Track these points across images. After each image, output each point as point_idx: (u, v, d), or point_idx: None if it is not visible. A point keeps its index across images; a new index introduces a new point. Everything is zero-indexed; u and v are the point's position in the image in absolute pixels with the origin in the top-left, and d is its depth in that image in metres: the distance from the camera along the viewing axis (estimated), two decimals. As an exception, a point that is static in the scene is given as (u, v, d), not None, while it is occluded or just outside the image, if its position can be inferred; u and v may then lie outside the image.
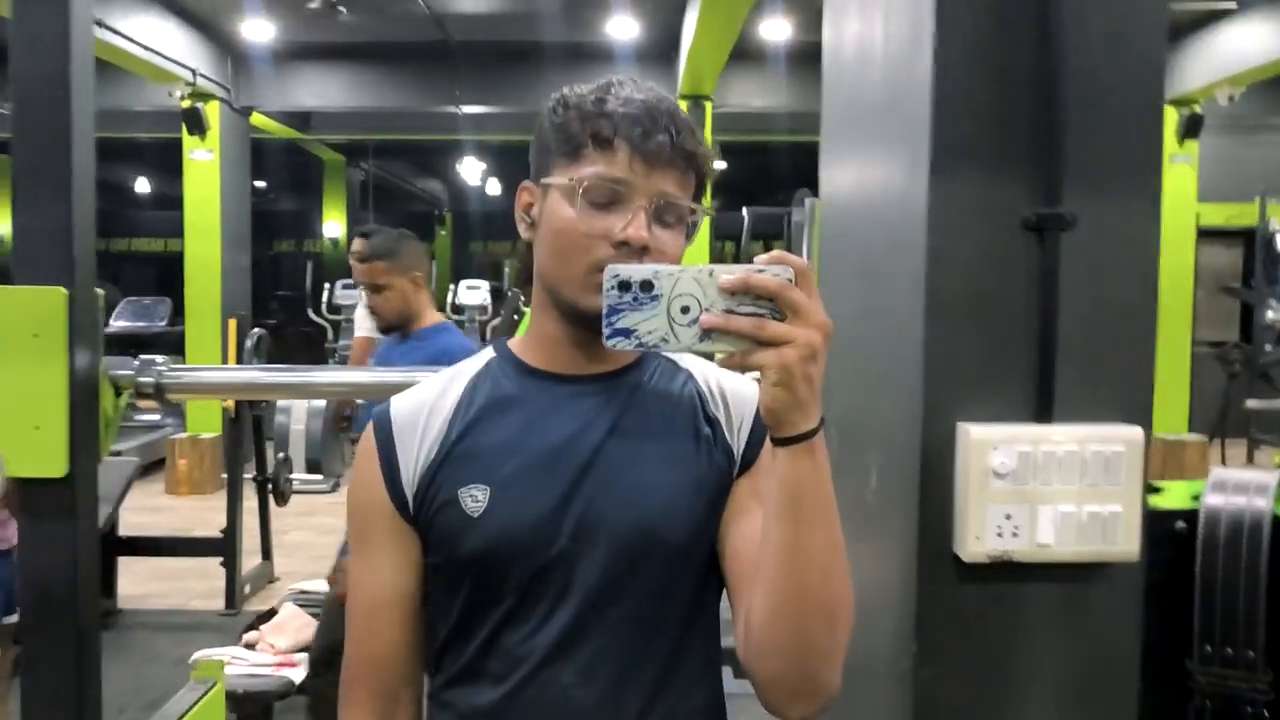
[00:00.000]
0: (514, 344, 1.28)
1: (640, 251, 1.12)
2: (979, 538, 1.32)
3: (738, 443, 1.21)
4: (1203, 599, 1.77)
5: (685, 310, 0.97)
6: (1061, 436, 1.32)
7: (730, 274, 0.96)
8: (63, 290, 1.59)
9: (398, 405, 1.25)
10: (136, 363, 1.75)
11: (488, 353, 1.30)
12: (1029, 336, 1.35)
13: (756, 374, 1.00)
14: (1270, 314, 5.99)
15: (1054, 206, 1.34)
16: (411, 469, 1.21)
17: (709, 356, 1.19)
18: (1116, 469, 1.32)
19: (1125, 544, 1.33)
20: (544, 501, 1.16)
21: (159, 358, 1.76)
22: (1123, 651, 1.37)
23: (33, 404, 1.57)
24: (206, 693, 2.19)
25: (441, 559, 1.19)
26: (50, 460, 1.62)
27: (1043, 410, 1.35)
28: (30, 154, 1.62)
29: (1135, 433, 1.33)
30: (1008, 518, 1.32)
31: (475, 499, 1.16)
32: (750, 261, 0.99)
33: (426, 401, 1.24)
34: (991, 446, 1.32)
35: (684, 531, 1.17)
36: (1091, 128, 1.34)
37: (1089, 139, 1.34)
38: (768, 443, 1.15)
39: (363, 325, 5.03)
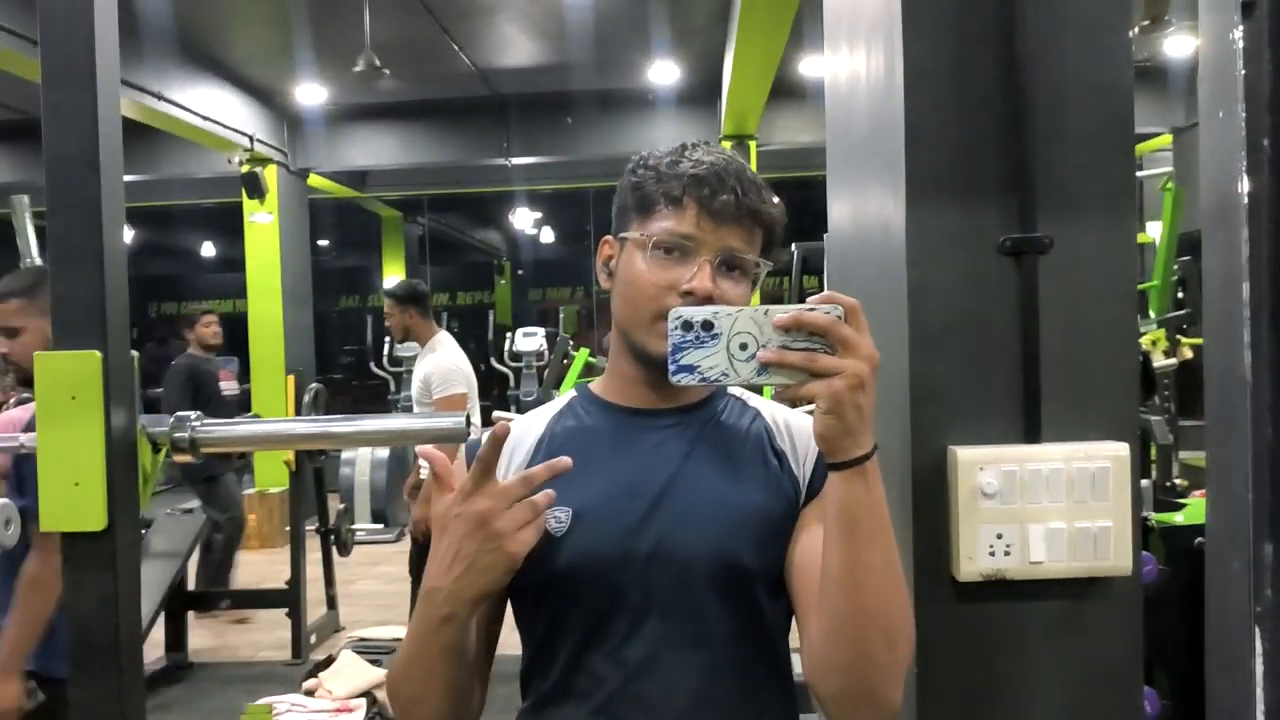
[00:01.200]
0: (594, 385, 1.39)
1: (704, 300, 1.21)
2: (971, 557, 1.35)
3: (803, 473, 1.29)
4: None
5: (744, 347, 1.07)
6: (1047, 455, 1.35)
7: (784, 313, 1.05)
8: (97, 354, 1.67)
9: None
10: (171, 419, 1.84)
11: (571, 392, 1.41)
12: (1012, 359, 1.38)
13: (810, 405, 1.08)
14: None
15: (1029, 231, 1.37)
16: None
17: (757, 390, 1.27)
18: (1105, 484, 1.34)
19: (1118, 559, 1.34)
20: (622, 524, 1.24)
21: (193, 414, 1.85)
22: (1124, 665, 1.38)
23: (72, 461, 1.66)
24: (255, 737, 2.27)
25: (526, 579, 1.23)
26: (90, 514, 1.70)
27: (1030, 430, 1.37)
28: (63, 226, 1.71)
29: (1122, 448, 1.35)
30: (999, 536, 1.34)
31: (559, 520, 1.23)
32: (803, 296, 1.08)
33: (516, 434, 1.34)
34: (978, 467, 1.35)
35: (754, 555, 1.24)
36: (1063, 153, 1.38)
37: (1061, 164, 1.38)
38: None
39: (451, 381, 5.02)
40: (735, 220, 1.25)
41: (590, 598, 1.24)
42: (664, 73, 8.94)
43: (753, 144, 9.12)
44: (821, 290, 1.16)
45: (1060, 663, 1.38)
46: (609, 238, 1.34)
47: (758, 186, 1.28)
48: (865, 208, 1.65)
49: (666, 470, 1.27)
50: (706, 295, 1.21)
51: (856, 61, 1.70)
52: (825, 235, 2.72)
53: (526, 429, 1.36)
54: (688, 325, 1.07)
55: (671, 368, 1.08)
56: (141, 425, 1.79)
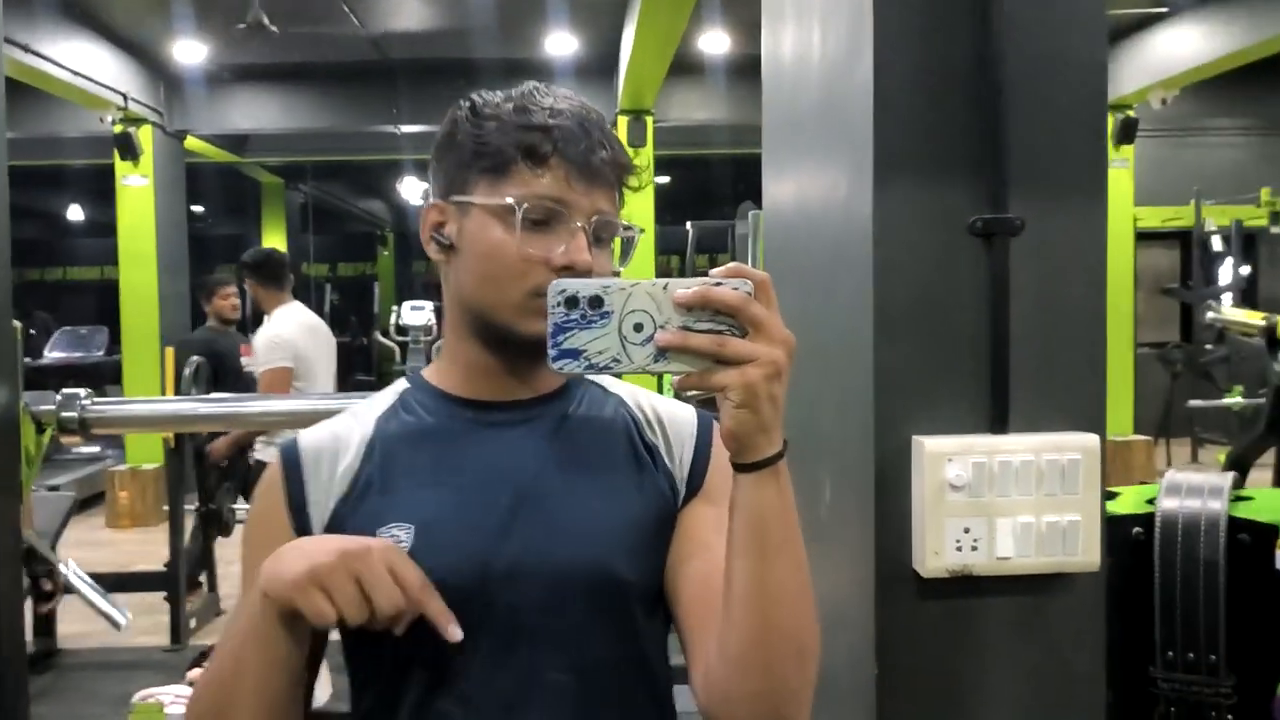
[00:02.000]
0: (428, 372, 1.19)
1: (583, 276, 1.04)
2: (938, 552, 1.29)
3: (680, 469, 1.15)
4: (1163, 605, 1.76)
5: (639, 328, 0.91)
6: (1017, 446, 1.29)
7: (687, 288, 0.90)
8: (-26, 325, 1.51)
9: (306, 439, 1.16)
10: (59, 397, 1.68)
11: (401, 383, 1.21)
12: (980, 345, 1.32)
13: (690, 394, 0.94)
14: (1210, 314, 6.06)
15: (1001, 212, 1.31)
16: (322, 507, 1.11)
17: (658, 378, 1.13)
18: (1074, 477, 1.29)
19: (1085, 554, 1.30)
20: (476, 540, 1.07)
21: (82, 391, 1.69)
22: (1087, 662, 1.34)
23: (-55, 443, 1.50)
24: (144, 738, 2.11)
25: None
26: (-34, 502, 1.54)
27: (997, 420, 1.32)
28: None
29: (1091, 440, 1.30)
30: (966, 531, 1.29)
31: (397, 539, 1.05)
32: (698, 276, 0.92)
33: (338, 434, 1.15)
34: (946, 459, 1.28)
35: (630, 567, 1.09)
36: (1035, 132, 1.32)
37: (1033, 143, 1.32)
38: (713, 474, 1.13)
39: (274, 356, 4.90)
40: (606, 180, 1.09)
41: (435, 632, 1.04)
42: (561, 44, 8.79)
43: (649, 119, 9.03)
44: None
45: (1023, 659, 1.33)
46: (439, 202, 1.13)
47: (615, 138, 1.12)
48: (818, 185, 1.57)
49: (522, 473, 1.10)
50: (587, 269, 1.05)
51: (808, 34, 1.62)
52: (751, 214, 2.65)
53: (348, 430, 1.15)
54: (572, 301, 0.91)
55: (552, 352, 0.91)
56: (25, 403, 1.62)
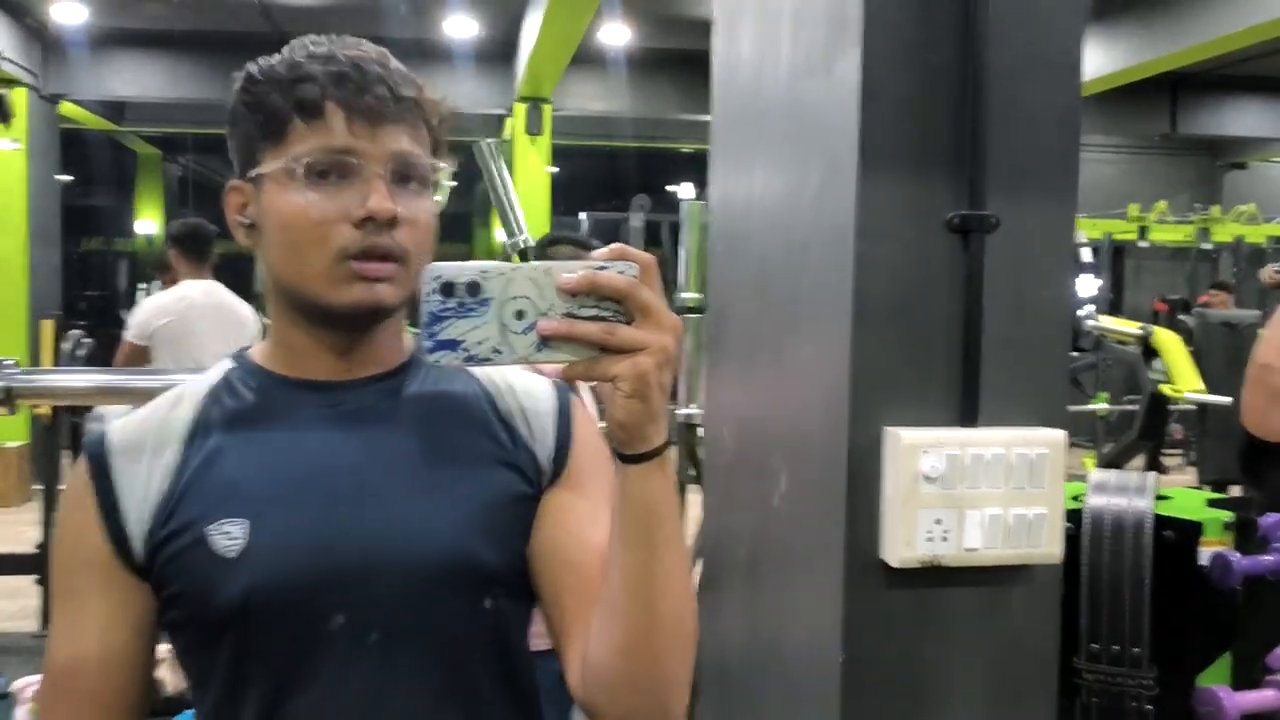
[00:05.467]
0: (256, 352, 1.11)
1: (389, 225, 0.98)
2: (909, 543, 1.30)
3: (542, 448, 1.09)
4: (1089, 598, 1.82)
5: (520, 315, 0.86)
6: (989, 440, 1.32)
7: (570, 272, 0.86)
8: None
9: (116, 430, 1.06)
10: (-17, 366, 1.59)
11: (224, 364, 1.12)
12: (953, 339, 1.34)
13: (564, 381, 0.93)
14: (1089, 322, 6.31)
15: (978, 209, 1.33)
16: (139, 506, 1.02)
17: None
18: (1041, 472, 1.32)
19: (1048, 545, 1.33)
20: (318, 531, 1.00)
21: (9, 360, 1.59)
22: (1042, 651, 1.38)
23: None
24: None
25: (189, 613, 1.01)
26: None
27: (967, 414, 1.34)
28: None
29: (1058, 435, 1.34)
30: (938, 522, 1.31)
31: (230, 536, 0.98)
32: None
33: (153, 423, 1.06)
34: (921, 450, 1.30)
35: (493, 552, 1.04)
36: (1013, 131, 1.35)
37: (1011, 142, 1.35)
38: (576, 455, 1.09)
39: (131, 331, 4.87)
40: (396, 119, 1.00)
41: (285, 631, 0.99)
42: (460, 26, 8.69)
43: (547, 108, 8.99)
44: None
45: (985, 647, 1.36)
46: (236, 183, 1.05)
47: (409, 76, 1.04)
48: (783, 180, 1.58)
49: (366, 457, 1.03)
50: (390, 217, 0.98)
51: (773, 30, 1.62)
52: (685, 204, 2.66)
53: (169, 416, 1.06)
54: (448, 289, 0.85)
55: (428, 344, 0.86)
56: (-54, 370, 1.53)
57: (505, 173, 3.07)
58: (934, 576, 1.33)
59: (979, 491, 1.31)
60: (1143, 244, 10.83)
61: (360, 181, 0.98)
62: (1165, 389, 5.14)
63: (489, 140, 3.06)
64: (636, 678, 0.97)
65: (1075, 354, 10.32)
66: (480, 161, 2.99)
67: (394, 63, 1.04)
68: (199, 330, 4.82)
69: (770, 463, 1.57)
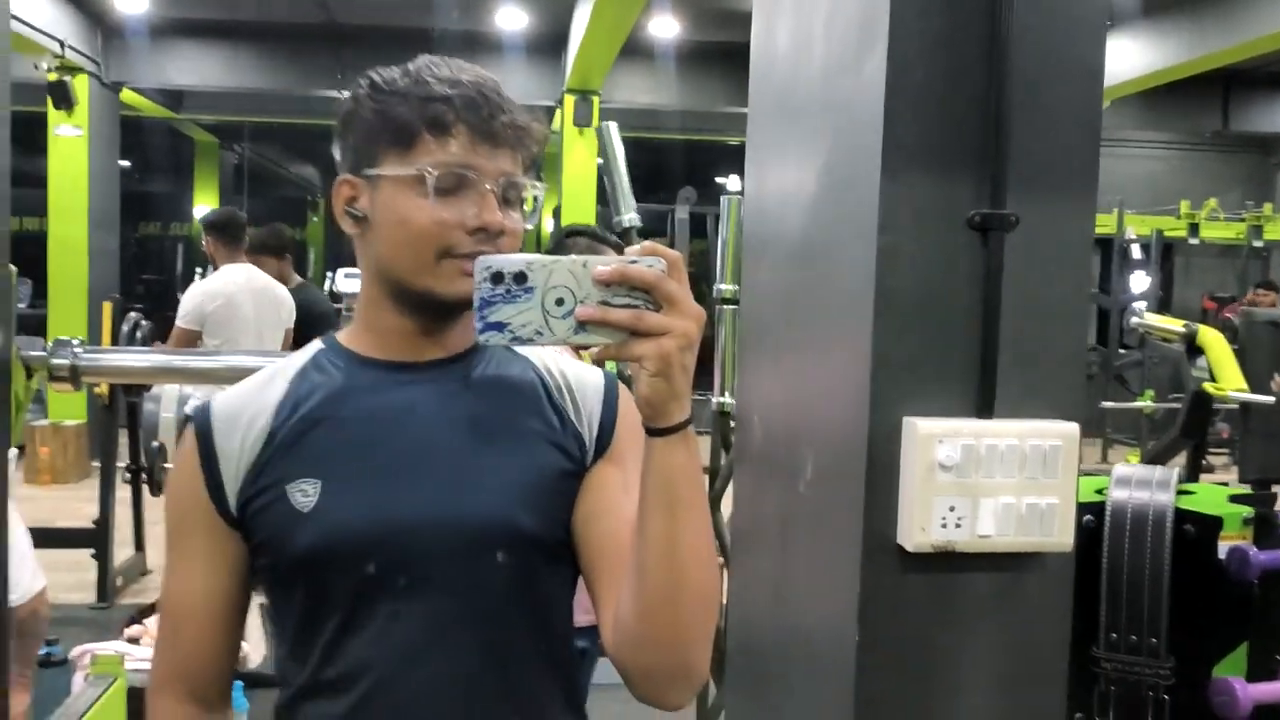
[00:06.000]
0: (342, 335, 1.25)
1: (497, 235, 1.13)
2: (924, 529, 1.36)
3: (588, 430, 1.22)
4: (1109, 589, 1.86)
5: (560, 302, 0.97)
6: (1004, 431, 1.37)
7: (605, 266, 0.97)
8: (-25, 267, 1.51)
9: (219, 402, 1.22)
10: (51, 344, 1.68)
11: (314, 345, 1.26)
12: (971, 333, 1.39)
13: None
14: (1134, 319, 6.27)
15: (999, 208, 1.38)
16: (234, 467, 1.17)
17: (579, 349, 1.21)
18: (1054, 462, 1.37)
19: (1060, 535, 1.38)
20: (381, 492, 1.14)
21: (75, 339, 1.69)
22: (1054, 637, 1.43)
23: (-57, 383, 1.50)
24: (108, 688, 2.11)
25: (270, 560, 1.17)
26: (-40, 443, 1.54)
27: (984, 406, 1.39)
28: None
29: (1071, 428, 1.38)
30: (952, 509, 1.36)
31: (305, 494, 1.13)
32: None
33: (249, 396, 1.21)
34: (938, 440, 1.35)
35: (534, 519, 1.17)
36: (1035, 131, 1.39)
37: (1032, 142, 1.39)
38: (620, 434, 1.21)
39: (184, 318, 5.04)
40: (509, 144, 1.16)
41: (347, 577, 1.14)
42: (510, 18, 8.77)
43: (596, 100, 9.05)
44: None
45: (997, 631, 1.41)
46: (349, 177, 1.19)
47: (517, 104, 1.19)
48: (815, 174, 1.63)
49: (428, 429, 1.17)
50: (499, 228, 1.13)
51: (808, 26, 1.67)
52: (724, 198, 2.71)
53: (263, 391, 1.21)
54: (498, 277, 0.97)
55: (479, 325, 0.98)
56: (17, 348, 1.62)
57: (622, 154, 3.19)
58: (948, 561, 1.38)
59: (993, 480, 1.36)
60: (1193, 241, 10.71)
61: (475, 194, 1.13)
62: (1208, 387, 5.10)
63: (613, 123, 3.18)
64: (660, 635, 1.07)
65: (1121, 351, 10.24)
66: (605, 139, 3.11)
67: (504, 90, 1.18)
68: (244, 313, 4.98)
69: (797, 449, 1.62)
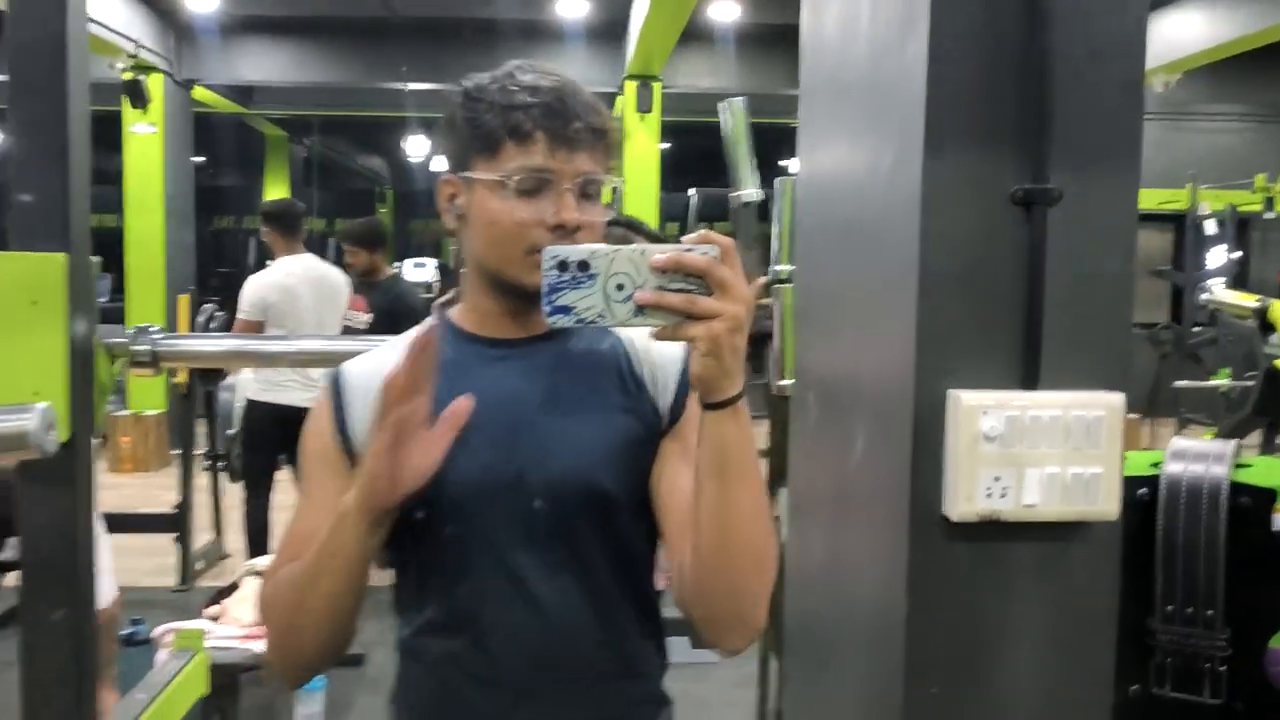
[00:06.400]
0: (453, 313, 1.40)
1: (574, 230, 1.26)
2: (969, 499, 1.38)
3: (665, 401, 1.35)
4: (1164, 562, 1.86)
5: (620, 288, 1.06)
6: (1047, 402, 1.39)
7: (662, 254, 1.05)
8: (61, 256, 1.59)
9: (349, 366, 1.38)
10: (132, 331, 1.76)
11: (430, 320, 1.38)
12: (1016, 307, 1.41)
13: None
14: (1203, 295, 6.17)
15: (1041, 182, 1.40)
16: (360, 419, 1.32)
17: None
18: (1098, 433, 1.39)
19: (1106, 504, 1.40)
20: (484, 455, 1.27)
21: (153, 326, 1.77)
22: (1101, 605, 1.45)
23: (32, 370, 1.58)
24: (189, 662, 2.21)
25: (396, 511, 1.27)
26: (51, 427, 1.61)
27: (1029, 377, 1.41)
28: (26, 122, 1.62)
29: (1116, 398, 1.40)
30: (996, 479, 1.38)
31: None
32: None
33: (375, 361, 1.36)
34: (981, 412, 1.38)
35: (615, 480, 1.30)
36: (1077, 106, 1.40)
37: (1074, 117, 1.40)
38: (691, 404, 1.31)
39: (244, 308, 5.16)
40: (586, 145, 1.28)
41: (456, 529, 1.28)
42: (571, 6, 8.81)
43: (657, 85, 9.07)
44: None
45: (1043, 601, 1.43)
46: (450, 177, 1.33)
47: (596, 105, 1.31)
48: (863, 154, 1.66)
49: (526, 399, 1.31)
50: (575, 225, 1.25)
51: (854, 9, 1.70)
52: (779, 181, 2.73)
53: (384, 359, 1.34)
54: (563, 265, 1.06)
55: (546, 308, 1.08)
56: (100, 335, 1.71)
57: (746, 130, 3.23)
58: (993, 531, 1.40)
59: (1038, 451, 1.38)
60: (1269, 215, 10.44)
61: (554, 194, 1.26)
62: (1282, 364, 5.02)
63: (739, 98, 3.21)
64: (716, 587, 1.20)
65: (1195, 329, 10.05)
66: (732, 117, 3.15)
67: (586, 94, 1.31)
68: (305, 302, 5.09)
69: (847, 425, 1.66)
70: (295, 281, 5.15)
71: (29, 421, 1.28)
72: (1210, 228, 10.42)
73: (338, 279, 5.39)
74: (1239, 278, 10.93)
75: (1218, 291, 6.36)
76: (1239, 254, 11.07)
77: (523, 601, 1.28)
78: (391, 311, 5.43)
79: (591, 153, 1.29)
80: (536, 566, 1.28)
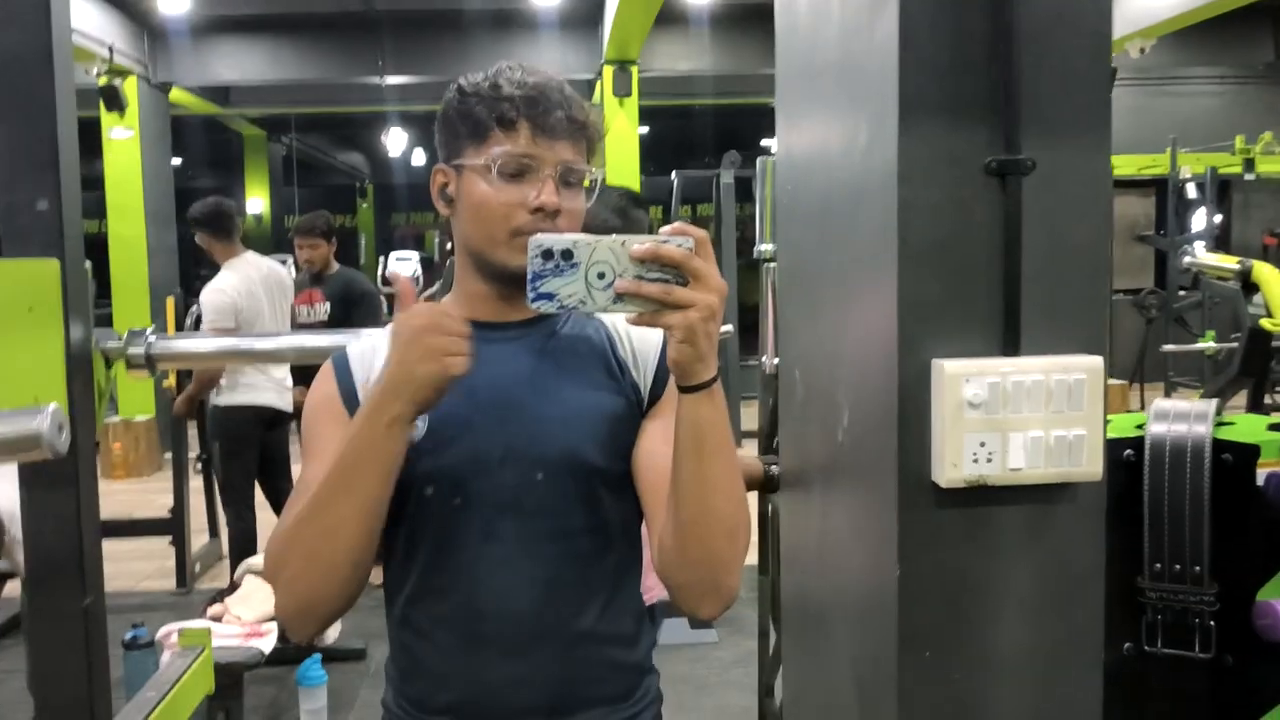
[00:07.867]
0: (445, 298, 1.47)
1: (554, 214, 1.33)
2: (956, 465, 1.41)
3: (645, 382, 1.43)
4: (1151, 521, 1.90)
5: (601, 276, 1.12)
6: (1028, 367, 1.42)
7: (641, 245, 1.12)
8: (56, 262, 1.61)
9: (351, 349, 1.46)
10: (125, 334, 1.78)
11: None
12: (994, 275, 1.44)
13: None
14: (1186, 258, 6.22)
15: (1014, 153, 1.43)
16: (362, 394, 1.38)
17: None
18: (1080, 395, 1.42)
19: (1089, 465, 1.43)
20: (476, 431, 1.35)
21: (148, 329, 1.79)
22: (1088, 564, 1.48)
23: (32, 376, 1.60)
24: (195, 660, 2.23)
25: None
26: (49, 432, 1.63)
27: (1010, 344, 1.44)
28: (15, 130, 1.64)
29: (1095, 361, 1.43)
30: (982, 445, 1.41)
31: (415, 427, 1.29)
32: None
33: (374, 343, 1.43)
34: (965, 379, 1.41)
35: (599, 454, 1.38)
36: (1046, 77, 1.43)
37: (1044, 88, 1.42)
38: (670, 386, 1.37)
39: (218, 319, 5.02)
40: (567, 135, 1.35)
41: (446, 501, 1.35)
42: (545, -6, 8.80)
43: (634, 69, 9.07)
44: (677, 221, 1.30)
45: (1031, 560, 1.46)
46: (442, 166, 1.41)
47: (579, 101, 1.39)
48: (838, 130, 1.68)
49: (516, 378, 1.38)
50: (555, 208, 1.32)
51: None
52: (760, 160, 2.76)
53: (375, 346, 1.42)
54: (548, 254, 1.12)
55: (531, 294, 1.14)
56: (95, 339, 1.73)
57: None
58: (981, 495, 1.43)
59: (1021, 415, 1.41)
60: (1249, 177, 10.50)
61: (536, 179, 1.34)
62: (1265, 323, 5.07)
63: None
64: (691, 556, 1.27)
65: (1181, 293, 10.11)
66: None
67: (569, 90, 1.39)
68: (263, 302, 5.06)
69: (834, 399, 1.69)
70: (255, 284, 5.11)
71: (42, 422, 1.30)
72: (1191, 191, 10.48)
73: (284, 274, 5.36)
74: (1221, 240, 11.00)
75: (1200, 255, 6.40)
76: (1220, 217, 11.14)
77: (511, 568, 1.35)
78: (346, 298, 5.36)
79: (572, 143, 1.36)
80: (525, 535, 1.36)
